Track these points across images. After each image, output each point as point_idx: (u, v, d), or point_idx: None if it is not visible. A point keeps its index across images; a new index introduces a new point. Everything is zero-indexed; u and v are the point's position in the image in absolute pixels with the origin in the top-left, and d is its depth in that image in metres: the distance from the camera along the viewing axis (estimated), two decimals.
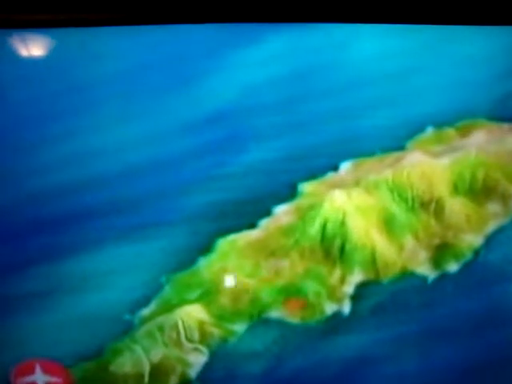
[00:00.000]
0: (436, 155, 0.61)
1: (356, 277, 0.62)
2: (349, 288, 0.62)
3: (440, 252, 0.62)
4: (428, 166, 0.61)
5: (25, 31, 0.55)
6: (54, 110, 0.57)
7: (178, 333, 0.62)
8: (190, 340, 0.63)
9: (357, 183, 0.60)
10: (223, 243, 0.60)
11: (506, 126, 0.60)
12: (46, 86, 0.57)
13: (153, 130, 0.58)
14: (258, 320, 0.62)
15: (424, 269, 0.62)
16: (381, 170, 0.60)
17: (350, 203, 0.61)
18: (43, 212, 0.59)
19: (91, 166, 0.58)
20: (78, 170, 0.58)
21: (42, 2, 0.55)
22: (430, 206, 0.61)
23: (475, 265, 0.62)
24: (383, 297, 0.62)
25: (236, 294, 0.62)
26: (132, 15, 0.56)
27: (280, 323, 0.63)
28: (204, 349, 0.63)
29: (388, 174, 0.61)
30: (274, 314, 0.62)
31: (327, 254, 0.62)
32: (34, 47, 0.56)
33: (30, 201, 0.59)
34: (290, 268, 0.62)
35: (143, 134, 0.58)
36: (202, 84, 0.57)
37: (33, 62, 0.56)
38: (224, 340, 0.63)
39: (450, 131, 0.60)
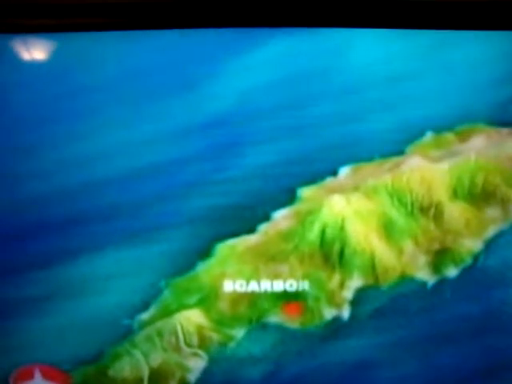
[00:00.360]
0: (435, 160, 0.61)
1: (355, 282, 0.62)
2: (348, 293, 0.62)
3: (439, 257, 0.62)
4: (427, 171, 0.61)
5: (26, 36, 0.55)
6: (54, 114, 0.58)
7: (177, 337, 0.62)
8: (189, 345, 0.62)
9: (356, 188, 0.60)
10: (222, 248, 0.60)
11: (505, 130, 0.60)
12: (46, 90, 0.57)
13: (152, 134, 0.58)
14: (257, 325, 0.62)
15: (423, 274, 0.62)
16: (380, 174, 0.60)
17: (349, 208, 0.61)
18: (43, 216, 0.59)
19: (91, 170, 0.59)
20: (78, 174, 0.58)
21: (44, 8, 0.55)
22: (430, 210, 0.61)
23: (474, 270, 0.62)
24: (383, 302, 0.62)
25: (235, 298, 0.62)
26: (131, 20, 0.56)
27: (279, 328, 0.63)
28: (203, 354, 0.63)
29: (387, 178, 0.61)
30: (273, 318, 0.62)
31: (326, 258, 0.61)
32: (35, 51, 0.56)
33: (30, 204, 0.59)
34: (290, 273, 0.61)
35: (143, 139, 0.58)
36: (202, 89, 0.57)
37: (34, 65, 0.56)
38: (223, 345, 0.63)
39: (450, 136, 0.60)
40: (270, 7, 0.56)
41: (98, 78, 0.57)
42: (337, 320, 0.62)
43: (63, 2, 0.55)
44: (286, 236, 0.61)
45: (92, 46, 0.56)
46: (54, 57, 0.56)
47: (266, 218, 0.60)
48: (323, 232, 0.61)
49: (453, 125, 0.60)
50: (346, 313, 0.62)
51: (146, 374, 0.63)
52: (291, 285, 0.62)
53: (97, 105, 0.57)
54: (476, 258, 0.62)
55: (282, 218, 0.60)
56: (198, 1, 0.56)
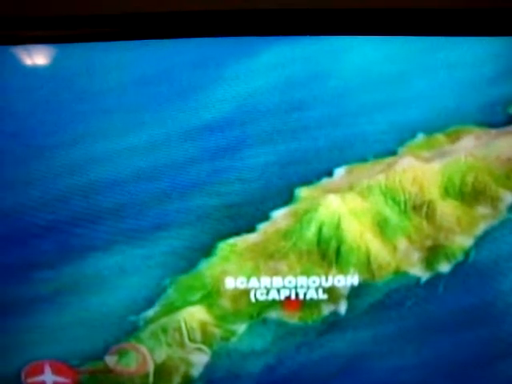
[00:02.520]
0: (427, 160, 0.62)
1: (351, 278, 0.64)
2: (345, 288, 0.64)
3: (432, 253, 0.64)
4: (419, 171, 0.62)
5: (29, 46, 0.57)
6: (61, 120, 0.58)
7: (181, 333, 0.64)
8: (192, 340, 0.64)
9: (351, 188, 0.62)
10: (224, 246, 0.62)
11: (493, 131, 0.61)
12: (51, 98, 0.57)
13: (156, 138, 0.59)
14: (258, 320, 0.64)
15: (417, 269, 0.64)
16: (374, 174, 0.62)
17: (345, 207, 0.62)
18: (50, 216, 0.60)
19: (95, 173, 0.60)
20: (84, 177, 0.60)
21: (45, 20, 0.57)
22: (422, 209, 0.63)
23: (466, 265, 0.64)
24: (378, 297, 0.64)
25: (236, 295, 0.64)
26: (133, 30, 0.58)
27: (279, 323, 0.64)
28: (206, 349, 0.65)
29: (381, 178, 0.62)
30: (273, 314, 0.64)
31: (323, 256, 0.63)
32: (37, 62, 0.57)
33: (38, 206, 0.60)
34: (288, 270, 0.63)
35: (147, 142, 0.59)
36: (202, 95, 0.59)
37: (38, 74, 0.57)
38: (225, 340, 0.65)
39: (440, 137, 0.62)
40: (266, 18, 0.58)
41: (100, 86, 0.58)
42: (334, 315, 0.64)
43: (62, 14, 0.57)
44: (285, 234, 0.63)
45: (95, 56, 0.57)
46: (57, 66, 0.56)
47: (265, 217, 0.62)
48: (320, 230, 0.63)
49: (443, 126, 0.61)
50: (342, 308, 0.64)
51: (151, 369, 0.65)
52: (290, 281, 0.64)
53: (102, 110, 0.58)
54: (467, 253, 0.64)
55: (280, 217, 0.62)
56: (199, 12, 0.58)
